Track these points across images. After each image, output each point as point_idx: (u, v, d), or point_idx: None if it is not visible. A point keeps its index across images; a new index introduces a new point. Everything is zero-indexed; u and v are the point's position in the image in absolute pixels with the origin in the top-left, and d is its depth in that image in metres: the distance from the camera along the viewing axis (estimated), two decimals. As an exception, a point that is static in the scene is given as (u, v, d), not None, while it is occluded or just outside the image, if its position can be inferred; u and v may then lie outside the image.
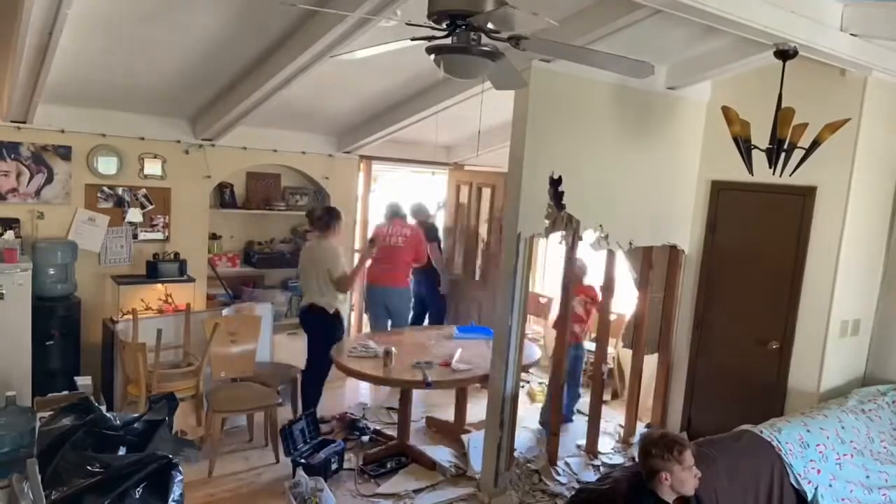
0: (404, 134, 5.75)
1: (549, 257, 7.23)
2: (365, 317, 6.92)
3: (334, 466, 4.32)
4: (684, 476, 2.51)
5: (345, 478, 4.34)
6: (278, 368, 5.13)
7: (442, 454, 4.60)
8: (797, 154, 3.34)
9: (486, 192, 6.68)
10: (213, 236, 5.74)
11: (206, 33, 3.73)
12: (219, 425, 4.35)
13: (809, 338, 4.17)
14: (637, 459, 2.69)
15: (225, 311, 4.97)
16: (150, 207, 5.26)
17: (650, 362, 5.12)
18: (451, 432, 5.02)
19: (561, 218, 4.18)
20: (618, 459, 4.72)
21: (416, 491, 4.20)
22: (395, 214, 6.20)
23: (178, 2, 3.38)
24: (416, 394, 4.99)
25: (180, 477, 2.60)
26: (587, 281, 5.27)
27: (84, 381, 4.04)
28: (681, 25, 3.34)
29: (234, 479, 4.26)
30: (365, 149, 6.11)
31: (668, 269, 4.96)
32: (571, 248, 4.39)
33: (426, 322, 6.79)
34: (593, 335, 5.36)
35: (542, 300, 6.84)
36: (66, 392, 3.87)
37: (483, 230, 6.77)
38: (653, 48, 3.89)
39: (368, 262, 5.49)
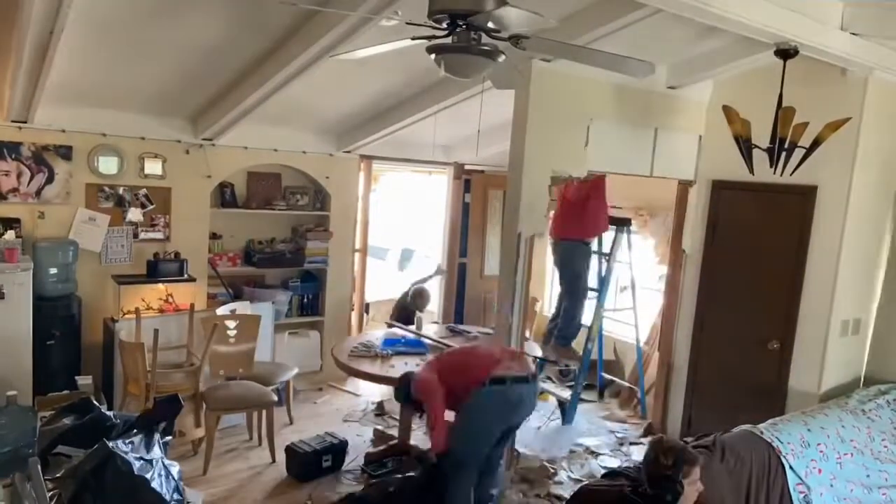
0: (404, 133, 5.75)
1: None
2: (365, 316, 6.92)
3: (327, 464, 4.32)
4: (688, 490, 2.52)
5: (345, 477, 4.35)
6: (279, 368, 5.14)
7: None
8: (798, 153, 3.35)
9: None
10: (214, 236, 5.73)
11: (206, 33, 3.73)
12: (214, 424, 4.36)
13: (810, 337, 4.17)
14: (642, 464, 2.69)
15: (219, 311, 4.97)
16: (151, 207, 5.26)
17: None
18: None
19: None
20: (616, 461, 4.72)
21: (417, 490, 4.21)
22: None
23: (179, 2, 3.38)
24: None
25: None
26: None
27: (85, 381, 4.06)
28: (681, 25, 3.34)
29: (232, 479, 4.27)
30: (365, 148, 6.11)
31: (669, 269, 4.96)
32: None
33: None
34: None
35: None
36: (66, 391, 3.88)
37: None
38: (653, 47, 3.89)
39: None
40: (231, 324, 4.77)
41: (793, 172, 3.37)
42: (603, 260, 5.15)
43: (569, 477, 4.41)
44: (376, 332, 5.45)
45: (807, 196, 4.15)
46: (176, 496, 2.83)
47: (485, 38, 2.45)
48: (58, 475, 2.54)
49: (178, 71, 4.28)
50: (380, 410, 5.52)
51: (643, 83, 4.11)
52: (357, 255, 6.53)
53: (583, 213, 4.75)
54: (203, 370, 4.50)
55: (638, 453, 4.72)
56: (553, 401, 5.44)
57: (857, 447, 3.53)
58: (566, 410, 5.12)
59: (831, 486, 3.35)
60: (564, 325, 4.83)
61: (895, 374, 4.26)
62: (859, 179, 3.99)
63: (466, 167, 6.99)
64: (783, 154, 3.33)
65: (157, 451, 2.95)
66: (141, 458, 2.75)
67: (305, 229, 6.16)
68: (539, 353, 5.04)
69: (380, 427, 5.11)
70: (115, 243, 5.12)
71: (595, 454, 4.79)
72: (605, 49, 2.83)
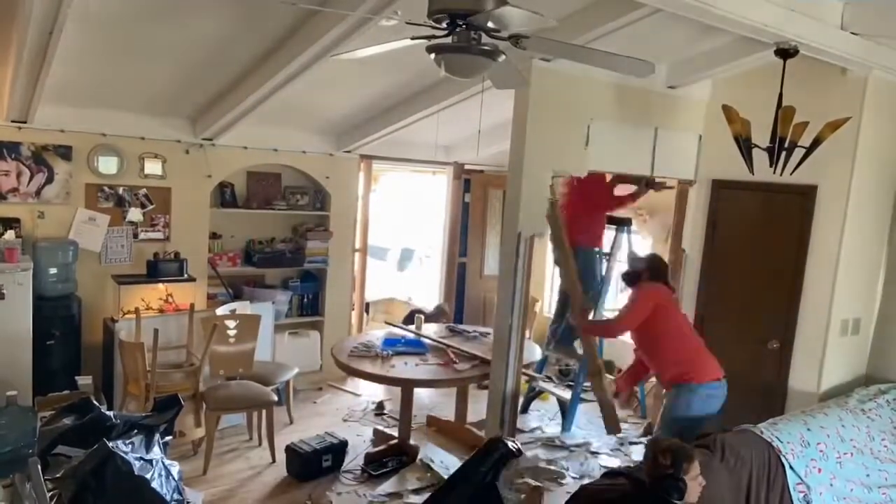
0: (404, 133, 5.75)
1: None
2: (365, 316, 6.91)
3: (327, 464, 4.33)
4: (691, 486, 2.52)
5: (345, 477, 4.35)
6: (279, 368, 5.14)
7: (443, 453, 4.60)
8: (798, 153, 3.34)
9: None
10: (214, 236, 5.73)
11: (206, 33, 3.73)
12: (214, 424, 4.36)
13: (810, 337, 4.17)
14: (642, 465, 2.69)
15: (219, 311, 4.97)
16: (151, 207, 5.26)
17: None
18: (451, 431, 5.02)
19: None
20: (616, 461, 4.72)
21: (417, 490, 4.21)
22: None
23: (179, 2, 3.38)
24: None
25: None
26: None
27: (84, 381, 4.06)
28: (681, 24, 3.34)
29: (232, 479, 4.26)
30: (365, 148, 6.11)
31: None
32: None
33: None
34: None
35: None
36: (66, 391, 3.89)
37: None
38: (653, 47, 3.89)
39: None
40: (231, 324, 4.77)
41: (793, 172, 3.36)
42: (603, 260, 5.16)
43: (572, 478, 4.42)
44: (376, 332, 5.45)
45: (807, 196, 4.15)
46: (176, 496, 2.84)
47: (485, 38, 2.45)
48: (58, 475, 2.54)
49: (178, 71, 4.28)
50: (380, 410, 5.52)
51: (643, 83, 4.11)
52: (357, 255, 6.53)
53: (593, 223, 4.88)
54: (203, 370, 4.50)
55: (638, 453, 4.72)
56: (553, 401, 5.45)
57: (857, 447, 3.53)
58: (566, 415, 5.12)
59: (831, 485, 3.35)
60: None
61: (895, 374, 4.26)
62: (859, 179, 4.00)
63: (466, 167, 6.99)
64: (783, 153, 3.32)
65: (157, 451, 2.96)
66: (141, 458, 2.76)
67: (305, 229, 6.16)
68: (538, 354, 5.07)
69: (380, 427, 5.11)
70: (114, 243, 5.12)
71: (595, 454, 4.79)
72: (605, 49, 2.83)
